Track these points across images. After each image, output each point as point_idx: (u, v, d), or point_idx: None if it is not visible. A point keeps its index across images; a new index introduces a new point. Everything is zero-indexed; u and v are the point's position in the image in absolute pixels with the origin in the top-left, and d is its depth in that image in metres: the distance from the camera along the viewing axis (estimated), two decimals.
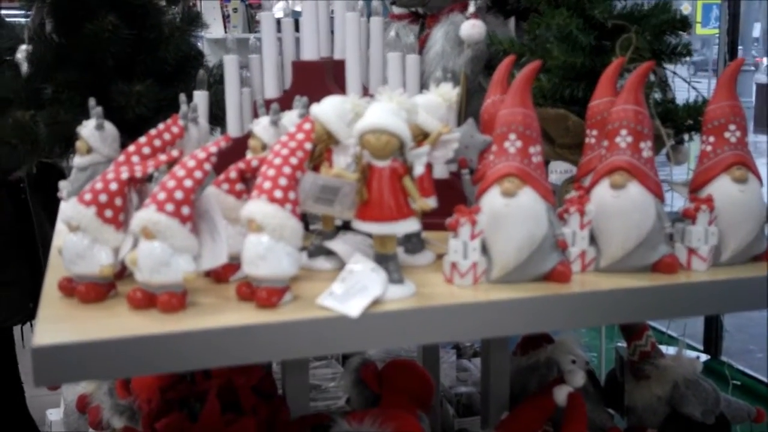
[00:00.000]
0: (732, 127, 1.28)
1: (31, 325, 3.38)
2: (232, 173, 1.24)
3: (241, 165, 1.24)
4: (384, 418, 1.32)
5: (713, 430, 1.44)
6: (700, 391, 1.43)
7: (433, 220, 1.35)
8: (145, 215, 1.09)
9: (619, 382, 1.53)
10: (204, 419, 1.32)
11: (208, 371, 1.53)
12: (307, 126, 1.20)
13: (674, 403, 1.44)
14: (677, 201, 1.35)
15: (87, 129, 1.37)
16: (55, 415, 2.49)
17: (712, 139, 1.28)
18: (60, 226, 1.53)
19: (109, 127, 1.39)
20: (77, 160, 1.39)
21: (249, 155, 1.39)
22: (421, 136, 1.29)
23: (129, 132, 1.63)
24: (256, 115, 1.49)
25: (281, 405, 1.39)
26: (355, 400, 1.56)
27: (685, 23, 1.47)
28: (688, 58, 1.54)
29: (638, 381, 1.48)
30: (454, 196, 1.39)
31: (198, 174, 1.13)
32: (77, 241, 1.14)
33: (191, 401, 1.41)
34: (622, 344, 1.60)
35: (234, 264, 1.20)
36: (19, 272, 3.23)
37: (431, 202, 1.29)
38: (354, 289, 1.11)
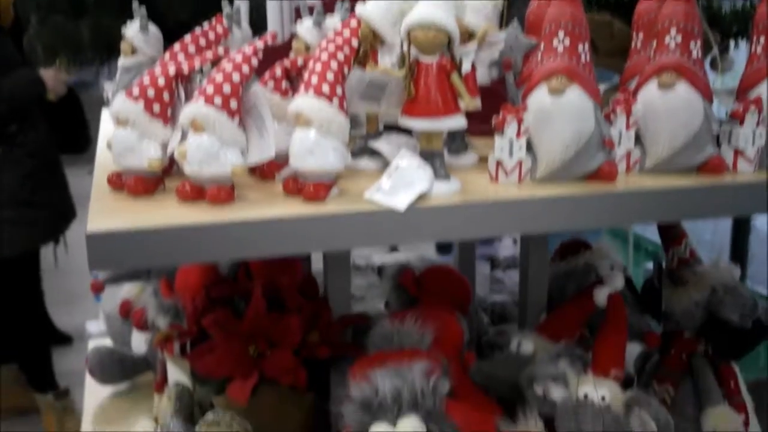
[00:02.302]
0: None
1: (65, 246, 3.45)
2: (278, 71, 1.24)
3: (286, 63, 1.25)
4: (424, 317, 1.34)
5: (750, 335, 1.45)
6: (737, 296, 1.43)
7: (476, 126, 1.35)
8: (194, 108, 1.10)
9: (656, 289, 1.54)
10: (250, 315, 1.35)
11: (250, 273, 1.56)
12: (353, 23, 1.20)
13: (712, 308, 1.44)
14: None
15: (131, 30, 1.38)
16: (94, 326, 2.55)
17: (762, 40, 1.26)
18: (104, 128, 1.55)
19: (153, 28, 1.40)
20: (122, 62, 1.40)
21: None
22: (467, 37, 1.28)
23: (169, 40, 1.63)
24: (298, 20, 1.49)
25: (324, 305, 1.41)
26: (393, 305, 1.58)
27: None
28: None
29: (676, 287, 1.48)
30: (497, 102, 1.38)
31: (245, 69, 1.13)
32: (126, 135, 1.15)
33: (235, 300, 1.44)
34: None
35: (280, 162, 1.21)
36: (50, 195, 3.28)
37: (477, 102, 1.28)
38: (401, 184, 1.12)
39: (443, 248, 2.20)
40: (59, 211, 3.36)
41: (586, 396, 1.21)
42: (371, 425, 1.21)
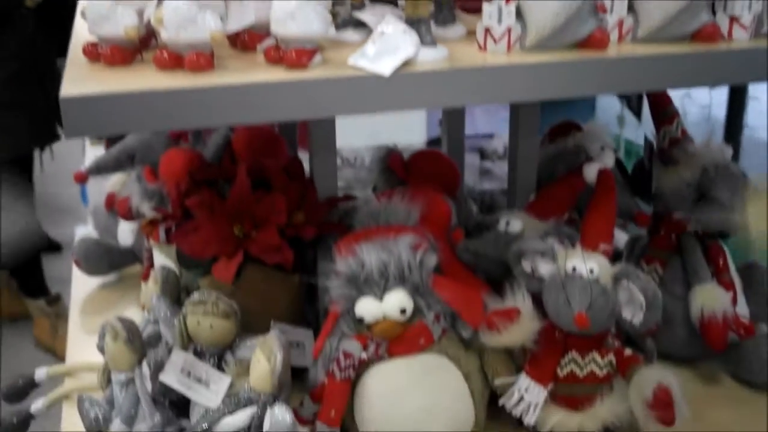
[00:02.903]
0: None
1: (51, 153, 3.40)
2: None
3: None
4: (412, 196, 1.33)
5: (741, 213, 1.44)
6: (729, 175, 1.42)
7: (465, 1, 1.31)
8: None
9: (646, 170, 1.52)
10: (234, 195, 1.33)
11: (234, 159, 1.53)
12: None
13: (703, 188, 1.43)
14: None
15: None
16: (82, 230, 2.54)
17: None
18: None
19: None
20: None
21: None
22: None
23: None
24: None
25: (309, 185, 1.39)
26: (381, 189, 1.56)
27: None
28: None
29: (667, 167, 1.46)
30: None
31: None
32: (99, 1, 1.10)
33: (220, 183, 1.42)
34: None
35: (261, 33, 1.17)
36: (40, 98, 3.21)
37: None
38: (385, 49, 1.08)
39: (434, 145, 2.18)
40: (53, 115, 3.29)
41: (574, 269, 1.20)
42: (358, 299, 1.21)
